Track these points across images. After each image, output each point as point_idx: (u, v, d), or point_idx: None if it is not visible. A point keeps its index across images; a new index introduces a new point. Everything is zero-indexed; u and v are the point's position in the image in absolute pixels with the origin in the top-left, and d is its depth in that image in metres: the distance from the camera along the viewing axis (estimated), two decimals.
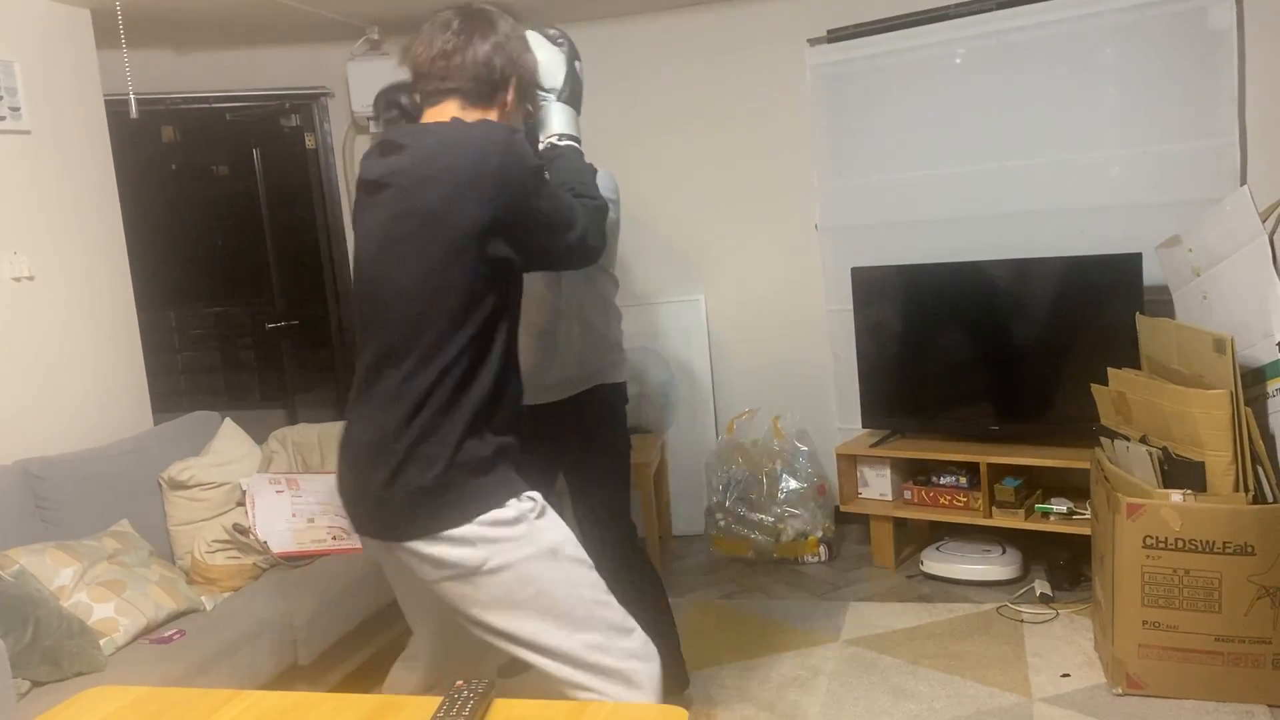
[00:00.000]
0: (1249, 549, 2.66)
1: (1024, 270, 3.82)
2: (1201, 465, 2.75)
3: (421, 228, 1.77)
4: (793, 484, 4.18)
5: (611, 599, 1.88)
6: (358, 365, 1.91)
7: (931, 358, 4.04)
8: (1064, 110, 3.81)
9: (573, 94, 2.09)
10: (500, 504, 1.79)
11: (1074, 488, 3.71)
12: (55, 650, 2.45)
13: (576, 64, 2.11)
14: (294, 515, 3.27)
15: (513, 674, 2.26)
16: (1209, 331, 2.79)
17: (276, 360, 4.96)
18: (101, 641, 2.59)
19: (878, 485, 4.07)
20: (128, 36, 3.48)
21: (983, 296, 3.90)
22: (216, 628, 2.76)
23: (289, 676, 2.87)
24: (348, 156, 4.68)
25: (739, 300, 4.53)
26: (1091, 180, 3.80)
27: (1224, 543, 2.68)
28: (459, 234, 1.75)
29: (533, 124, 2.09)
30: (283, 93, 4.60)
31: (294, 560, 3.19)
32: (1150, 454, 2.82)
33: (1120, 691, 2.85)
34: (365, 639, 3.23)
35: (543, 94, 2.07)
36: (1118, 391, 3.08)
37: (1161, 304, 3.45)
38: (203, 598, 2.98)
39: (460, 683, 1.54)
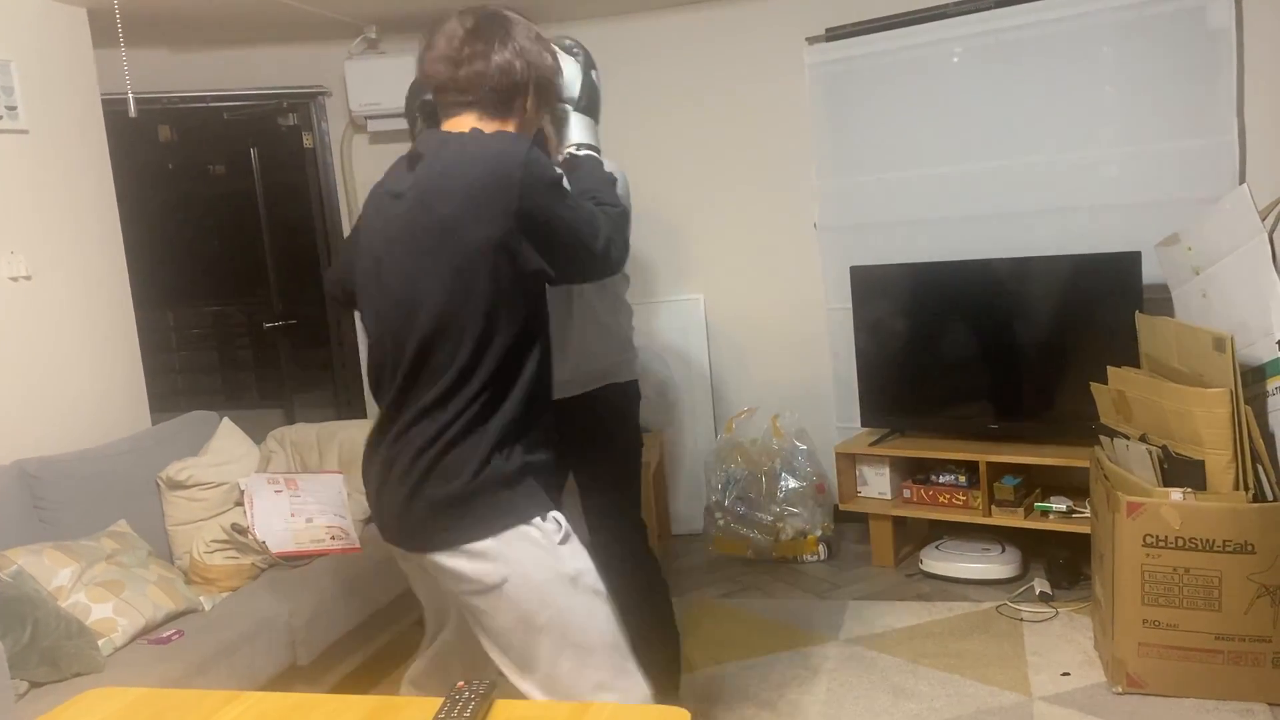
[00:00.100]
0: (1249, 547, 2.66)
1: (1023, 269, 3.82)
2: (1201, 464, 2.75)
3: (442, 240, 1.74)
4: (792, 483, 4.18)
5: (622, 637, 1.86)
6: (382, 374, 1.88)
7: (930, 356, 4.04)
8: (1062, 108, 3.81)
9: (590, 103, 2.06)
10: (524, 521, 1.76)
11: (1073, 486, 3.70)
12: (54, 651, 2.44)
13: (593, 73, 2.09)
14: (292, 515, 3.27)
15: None
16: (1209, 330, 2.79)
17: (274, 360, 4.96)
18: (100, 642, 2.58)
19: (877, 484, 4.07)
20: (124, 36, 3.47)
21: (982, 295, 3.90)
22: (215, 628, 2.76)
23: (288, 677, 2.87)
24: (345, 156, 4.67)
25: (738, 299, 4.53)
26: (1090, 179, 3.80)
27: (1224, 541, 2.68)
28: (479, 248, 1.72)
29: (552, 129, 2.07)
30: (280, 92, 4.59)
31: (293, 560, 3.18)
32: (1150, 452, 2.82)
33: (1120, 690, 2.85)
34: (364, 639, 3.22)
35: (559, 105, 2.04)
36: (1117, 390, 3.08)
37: (1160, 302, 3.45)
38: (201, 598, 2.97)
39: (461, 684, 1.53)
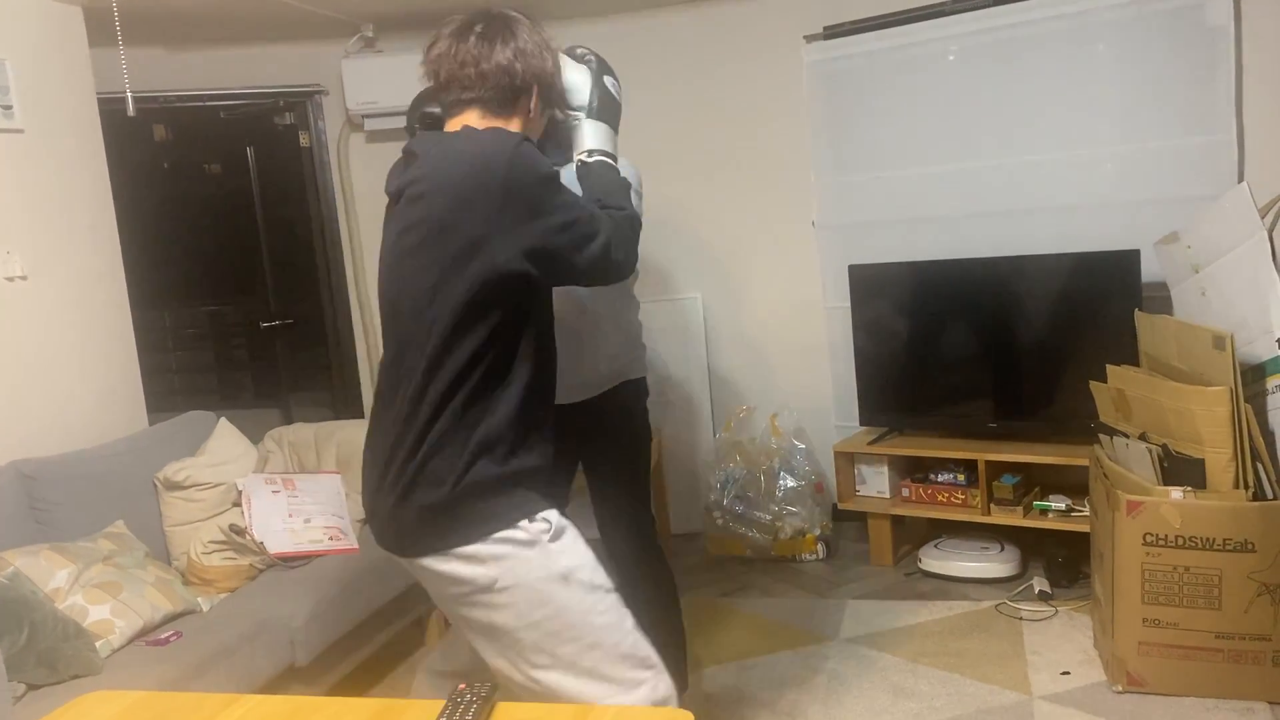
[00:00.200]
0: (1249, 546, 2.66)
1: (1021, 267, 3.81)
2: (1201, 462, 2.75)
3: (428, 239, 1.73)
4: (790, 482, 4.17)
5: (630, 627, 1.83)
6: (382, 375, 1.88)
7: (929, 355, 4.04)
8: (1061, 106, 3.80)
9: (602, 108, 2.02)
10: (511, 524, 1.75)
11: (1072, 485, 3.70)
12: (51, 653, 2.43)
13: (606, 79, 2.06)
14: (290, 515, 3.26)
15: None
16: (1208, 328, 2.79)
17: (271, 359, 4.94)
18: (98, 644, 2.57)
19: (875, 483, 4.06)
20: (120, 34, 3.46)
21: (980, 293, 3.89)
22: (213, 629, 2.74)
23: (286, 678, 2.85)
24: (342, 155, 4.66)
25: (736, 298, 4.53)
26: (1089, 177, 3.79)
27: (1224, 540, 2.68)
28: (465, 246, 1.70)
29: (559, 129, 2.05)
30: (277, 90, 4.57)
31: (291, 561, 3.17)
32: (1150, 451, 2.81)
33: (1121, 689, 2.85)
34: (363, 639, 3.21)
35: (573, 112, 2.03)
36: (1117, 388, 3.08)
37: (1159, 300, 3.45)
38: (199, 599, 2.97)
39: (463, 686, 1.52)
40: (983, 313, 3.91)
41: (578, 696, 1.76)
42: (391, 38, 4.45)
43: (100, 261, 3.48)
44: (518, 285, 1.75)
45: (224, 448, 3.43)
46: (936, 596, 3.67)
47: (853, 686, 3.06)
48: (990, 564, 3.74)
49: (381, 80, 4.31)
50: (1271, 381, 2.79)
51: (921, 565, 3.87)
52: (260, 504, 3.24)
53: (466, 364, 1.73)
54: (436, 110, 1.98)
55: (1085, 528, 3.37)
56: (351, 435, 3.66)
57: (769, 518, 4.15)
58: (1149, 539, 2.74)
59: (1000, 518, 3.76)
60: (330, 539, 3.26)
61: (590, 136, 2.01)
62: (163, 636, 2.70)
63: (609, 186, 1.97)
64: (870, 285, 4.08)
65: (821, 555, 4.14)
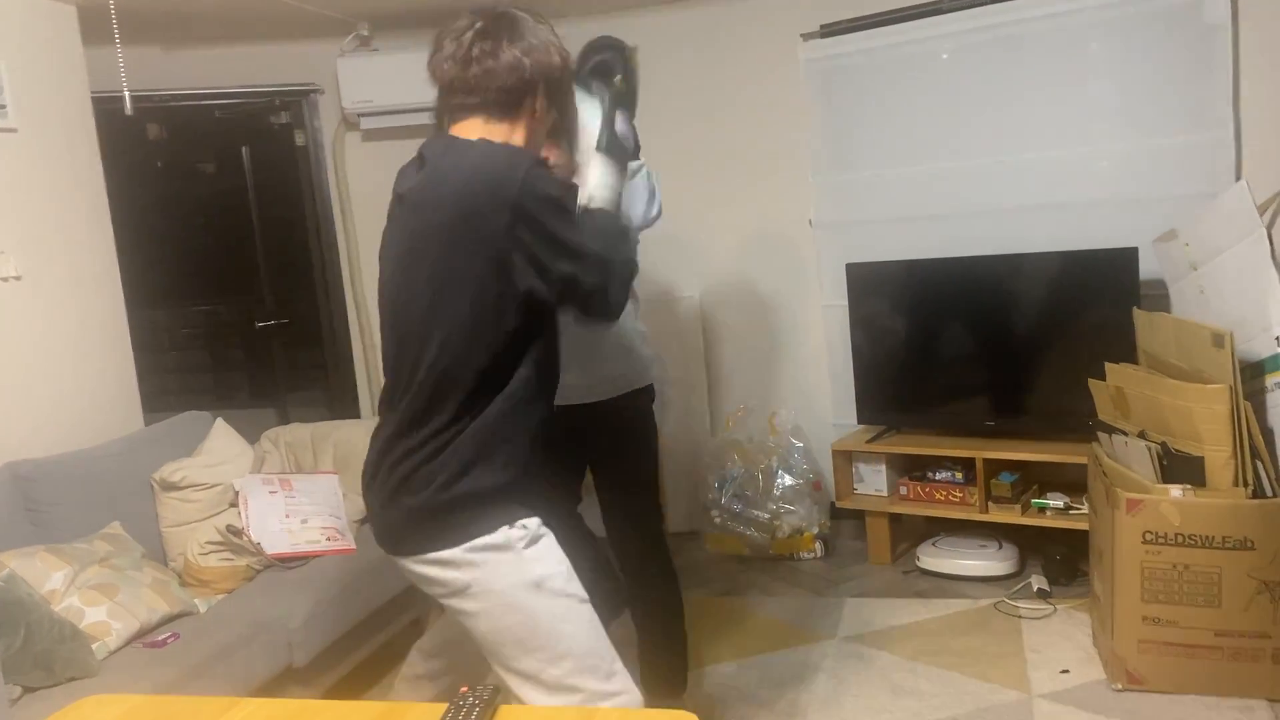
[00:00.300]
0: (1249, 544, 2.66)
1: (1019, 265, 3.81)
2: (1200, 460, 2.74)
3: (430, 252, 1.73)
4: (788, 480, 4.17)
5: (601, 639, 1.84)
6: (385, 369, 1.91)
7: (927, 353, 4.03)
8: (1059, 104, 3.80)
9: (610, 144, 1.98)
10: (489, 531, 1.76)
11: (1070, 482, 3.70)
12: (47, 655, 2.42)
13: (620, 115, 2.02)
14: (287, 516, 3.25)
15: None
16: (1207, 326, 2.79)
17: (267, 359, 4.93)
18: (94, 646, 2.55)
19: (873, 481, 4.06)
20: (115, 32, 3.44)
21: (978, 291, 3.89)
22: (211, 631, 2.73)
23: (284, 679, 2.84)
24: (338, 153, 4.64)
25: (733, 296, 4.52)
26: (1087, 174, 3.79)
27: (1223, 537, 2.68)
28: (465, 260, 1.70)
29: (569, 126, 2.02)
30: (272, 89, 4.56)
31: (288, 561, 3.16)
32: (1149, 449, 2.81)
33: (1120, 687, 2.84)
34: (361, 640, 3.20)
35: (575, 147, 2.00)
36: (1115, 386, 3.07)
37: (1157, 298, 3.45)
38: (196, 600, 2.95)
39: (465, 689, 1.52)
40: (980, 311, 3.91)
41: (545, 705, 1.77)
42: (387, 36, 4.44)
43: (95, 261, 3.46)
44: (516, 306, 1.74)
45: (220, 448, 3.41)
46: (935, 595, 3.66)
47: (851, 685, 3.05)
48: (988, 562, 3.74)
49: (377, 79, 4.29)
50: (1270, 379, 2.79)
51: (920, 563, 3.87)
52: (257, 504, 3.23)
53: (464, 373, 1.73)
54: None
55: (1083, 525, 3.37)
56: (348, 435, 3.65)
57: (767, 516, 4.15)
58: (1148, 537, 2.74)
59: (998, 516, 3.76)
60: (328, 539, 3.25)
61: (595, 176, 1.95)
62: (160, 638, 2.68)
63: (609, 237, 1.91)
64: (868, 284, 4.07)
65: (819, 554, 4.14)
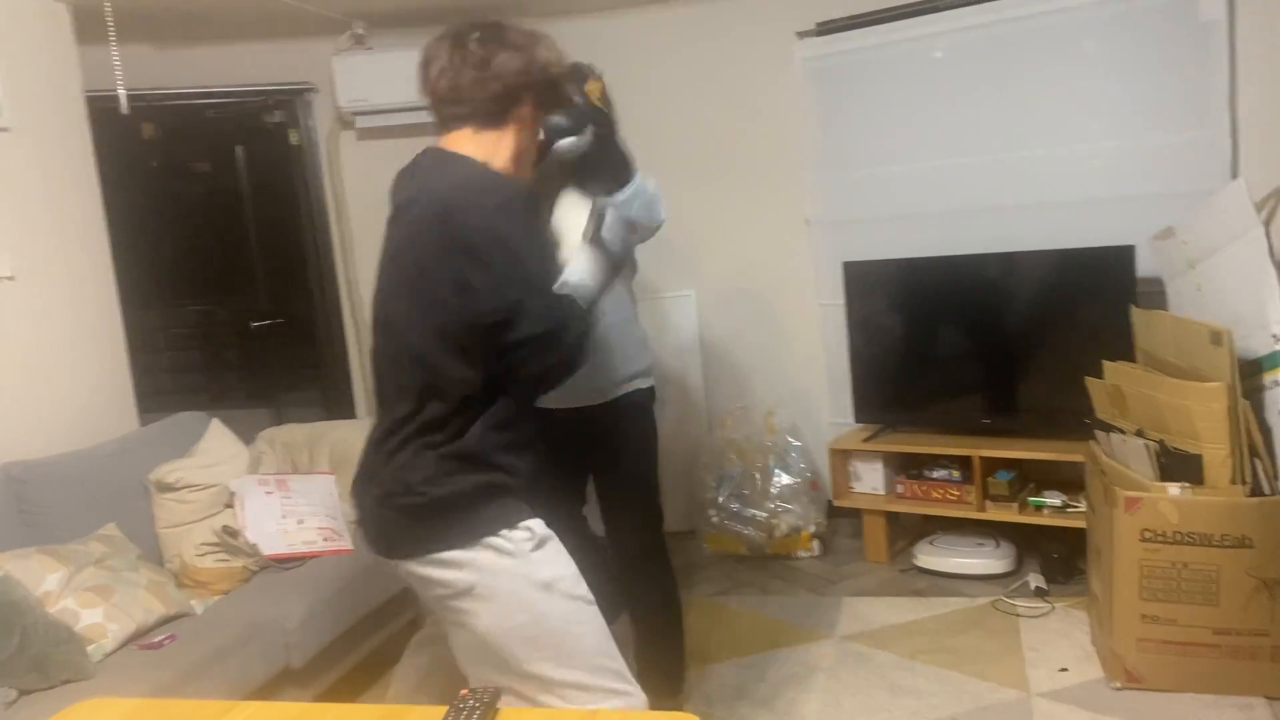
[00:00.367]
0: (1247, 542, 2.66)
1: (1016, 263, 3.81)
2: (1199, 458, 2.74)
3: (410, 271, 1.76)
4: (785, 479, 4.16)
5: (607, 640, 1.84)
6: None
7: (923, 351, 4.03)
8: (1055, 102, 3.80)
9: (596, 233, 1.95)
10: (492, 533, 1.76)
11: (1067, 481, 3.70)
12: (43, 658, 2.41)
13: (609, 214, 1.96)
14: (284, 517, 3.24)
15: None
16: (1205, 323, 2.79)
17: (262, 359, 4.91)
18: (90, 648, 2.54)
19: (870, 479, 4.06)
20: (109, 31, 3.42)
21: (975, 290, 3.89)
22: (207, 632, 2.72)
23: (281, 680, 2.83)
24: (333, 152, 4.62)
25: (730, 295, 4.51)
26: (1083, 172, 3.79)
27: (1222, 535, 2.67)
28: (441, 291, 1.71)
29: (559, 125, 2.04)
30: (267, 88, 4.53)
31: (284, 562, 3.15)
32: (1148, 447, 2.81)
33: (1119, 685, 2.84)
34: (358, 641, 3.19)
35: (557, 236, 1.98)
36: (1113, 384, 3.07)
37: (1154, 296, 3.44)
38: (192, 601, 2.94)
39: (465, 691, 1.51)
40: (977, 309, 3.90)
41: (551, 705, 1.77)
42: (382, 35, 4.42)
43: (89, 261, 3.45)
44: (491, 332, 1.73)
45: (216, 449, 3.40)
46: (932, 593, 3.66)
47: (850, 684, 3.05)
48: (986, 560, 3.74)
49: (372, 78, 4.27)
50: (1268, 376, 2.79)
51: (917, 562, 3.87)
52: (253, 505, 3.22)
53: (451, 381, 1.74)
54: None
55: (1080, 523, 3.37)
56: (344, 435, 3.64)
57: (764, 515, 4.14)
58: (1147, 535, 2.74)
59: (995, 514, 3.76)
60: (324, 540, 3.24)
61: (578, 272, 1.86)
62: (156, 640, 2.67)
63: (567, 317, 1.81)
64: (865, 282, 4.07)
65: (817, 552, 4.13)
